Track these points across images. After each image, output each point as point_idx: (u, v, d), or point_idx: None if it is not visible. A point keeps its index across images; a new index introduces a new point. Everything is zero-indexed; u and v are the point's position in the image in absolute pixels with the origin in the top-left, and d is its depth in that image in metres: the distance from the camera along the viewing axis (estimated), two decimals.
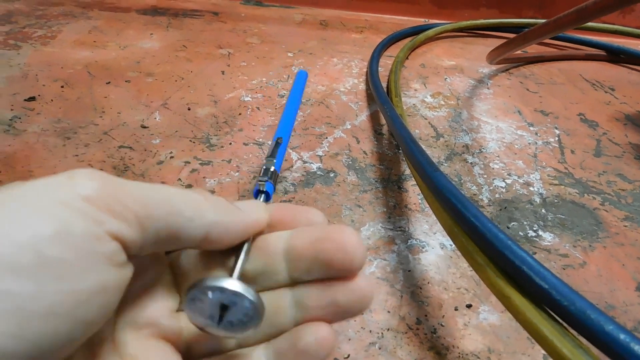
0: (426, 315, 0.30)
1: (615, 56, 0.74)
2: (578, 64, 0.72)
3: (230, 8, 0.83)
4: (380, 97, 0.49)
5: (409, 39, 0.73)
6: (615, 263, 0.35)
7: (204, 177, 0.41)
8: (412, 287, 0.32)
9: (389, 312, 0.30)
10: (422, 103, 0.56)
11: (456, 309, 0.30)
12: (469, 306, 0.31)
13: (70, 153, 0.42)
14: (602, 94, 0.63)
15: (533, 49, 0.73)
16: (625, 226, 0.39)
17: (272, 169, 0.33)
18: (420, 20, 0.84)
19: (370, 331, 0.29)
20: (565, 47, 0.78)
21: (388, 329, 0.29)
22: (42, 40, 0.64)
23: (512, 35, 0.62)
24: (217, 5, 0.83)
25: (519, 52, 0.68)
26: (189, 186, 0.39)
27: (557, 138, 0.51)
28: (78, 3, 0.80)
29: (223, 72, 0.59)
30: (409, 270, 0.33)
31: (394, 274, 0.33)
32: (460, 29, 0.78)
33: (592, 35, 0.77)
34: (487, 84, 0.62)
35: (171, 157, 0.43)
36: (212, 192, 0.39)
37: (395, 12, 0.84)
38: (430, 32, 0.73)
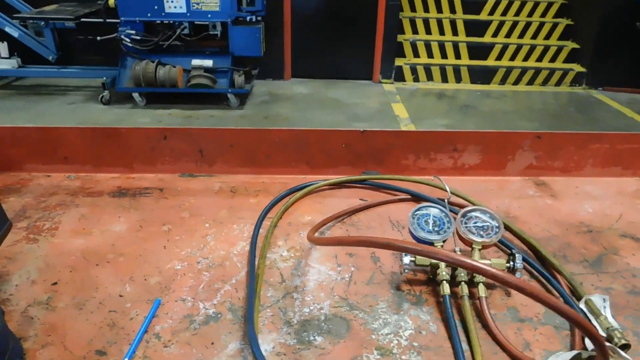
0: None
1: (417, 198, 1.19)
2: (392, 207, 1.17)
3: (171, 182, 1.25)
4: (251, 266, 0.90)
5: (288, 198, 1.16)
6: (344, 350, 0.76)
7: (154, 325, 0.80)
8: None
9: None
10: (280, 257, 0.98)
11: None
12: None
13: (83, 319, 0.82)
14: (395, 232, 1.06)
15: (367, 196, 1.17)
16: (361, 329, 0.80)
17: None
18: (301, 177, 1.28)
19: None
20: (388, 193, 1.22)
21: None
22: (50, 232, 1.05)
23: (360, 186, 1.09)
24: (162, 181, 1.26)
25: (350, 205, 1.11)
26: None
27: (350, 274, 0.93)
28: (68, 191, 1.21)
29: (164, 247, 1.00)
30: None
31: None
32: (323, 186, 1.22)
33: (401, 184, 1.22)
34: (325, 234, 1.05)
35: (137, 315, 0.83)
36: (159, 336, 0.79)
37: (282, 172, 1.28)
38: (298, 194, 1.17)
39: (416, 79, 5.51)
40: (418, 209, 0.96)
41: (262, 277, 0.90)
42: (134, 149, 1.25)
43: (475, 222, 0.93)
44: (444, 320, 0.82)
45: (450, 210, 1.06)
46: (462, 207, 1.11)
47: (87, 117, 4.41)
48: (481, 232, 0.91)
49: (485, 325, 0.81)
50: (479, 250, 0.90)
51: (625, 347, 0.76)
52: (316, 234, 0.98)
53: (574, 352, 0.73)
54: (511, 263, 0.87)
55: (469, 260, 0.53)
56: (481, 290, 0.84)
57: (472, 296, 0.85)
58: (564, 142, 1.28)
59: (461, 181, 1.29)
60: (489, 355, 0.76)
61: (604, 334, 0.79)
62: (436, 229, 0.92)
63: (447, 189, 1.07)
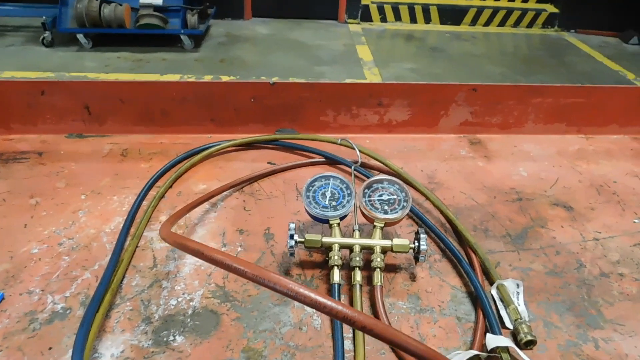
0: None
1: (332, 161, 1.05)
2: (303, 172, 1.03)
3: (54, 145, 1.08)
4: (116, 249, 0.77)
5: (185, 162, 1.01)
6: (206, 353, 0.65)
7: None
8: None
9: None
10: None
11: None
12: None
13: None
14: (299, 203, 0.93)
15: (277, 159, 1.03)
16: (232, 325, 0.69)
17: None
18: (206, 137, 1.12)
19: None
20: (302, 155, 1.08)
21: None
22: None
23: (270, 147, 0.97)
24: (44, 143, 1.09)
25: (255, 168, 0.97)
26: None
27: (235, 255, 0.80)
28: None
29: (25, 226, 0.86)
30: None
31: None
32: (227, 147, 1.07)
33: (318, 144, 1.08)
34: (218, 207, 0.92)
35: None
36: None
37: (184, 132, 1.12)
38: (196, 158, 1.02)
39: (384, 19, 5.24)
40: (315, 180, 0.82)
41: (129, 262, 0.77)
42: (7, 106, 1.07)
43: (380, 195, 0.80)
44: None
45: (367, 177, 0.93)
46: (382, 173, 0.98)
47: (28, 61, 4.07)
48: (385, 207, 0.79)
49: (378, 319, 0.70)
50: (381, 228, 0.78)
51: (531, 343, 0.66)
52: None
53: (471, 353, 0.63)
54: (416, 244, 0.75)
55: (288, 284, 0.40)
56: (375, 278, 0.72)
57: (372, 283, 0.74)
58: (502, 96, 1.15)
59: (388, 140, 1.16)
60: (373, 356, 0.65)
61: (510, 326, 0.69)
62: (334, 203, 0.79)
63: (357, 152, 0.93)
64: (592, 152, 1.14)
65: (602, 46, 5.03)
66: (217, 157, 1.06)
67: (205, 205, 0.92)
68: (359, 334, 0.66)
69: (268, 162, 1.04)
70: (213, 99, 1.08)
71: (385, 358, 0.65)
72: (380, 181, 0.82)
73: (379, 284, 0.72)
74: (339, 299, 0.70)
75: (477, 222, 0.90)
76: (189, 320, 0.69)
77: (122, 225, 0.85)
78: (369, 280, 0.75)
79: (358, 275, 0.72)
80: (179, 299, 0.72)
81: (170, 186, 0.96)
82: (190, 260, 0.79)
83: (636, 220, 0.92)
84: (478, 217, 0.92)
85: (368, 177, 0.97)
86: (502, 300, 0.73)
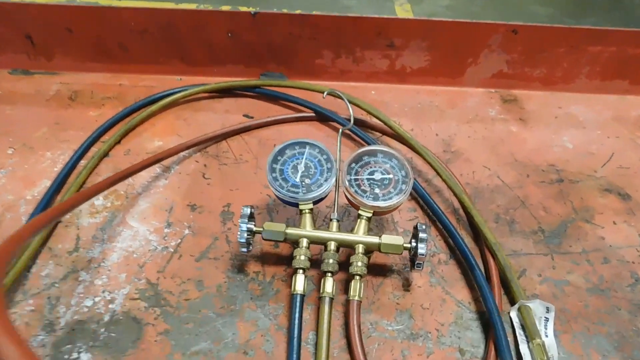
0: None
1: (324, 116, 0.84)
2: (286, 129, 0.83)
3: None
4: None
5: (142, 110, 0.82)
6: None
7: None
8: None
9: None
10: (89, 207, 0.66)
11: None
12: None
13: None
14: None
15: (257, 112, 0.83)
16: (156, 340, 0.52)
17: None
18: (174, 79, 0.92)
19: None
20: (289, 107, 0.87)
21: None
22: None
23: (250, 95, 0.86)
24: None
25: (225, 123, 0.78)
26: None
27: (179, 240, 0.63)
28: None
29: None
30: None
31: None
32: (196, 93, 0.87)
33: (309, 94, 0.86)
34: (171, 171, 0.73)
35: None
36: None
37: (149, 72, 0.92)
38: (155, 107, 0.82)
39: None
40: (286, 147, 0.62)
41: (45, 242, 0.60)
42: None
43: (371, 172, 0.60)
44: (290, 330, 0.53)
45: (365, 142, 0.73)
46: (384, 135, 0.78)
47: None
48: (376, 190, 0.59)
49: (350, 345, 0.52)
50: (368, 219, 0.58)
51: None
52: None
53: None
54: (412, 243, 0.55)
55: None
56: (353, 289, 0.54)
57: (348, 294, 0.55)
58: (550, 41, 0.89)
59: (400, 92, 0.93)
60: None
61: None
62: (307, 181, 0.59)
63: (349, 107, 0.71)
64: None
65: None
66: (183, 105, 0.86)
67: (156, 168, 0.73)
68: None
69: (244, 115, 0.84)
70: (180, 31, 0.87)
71: None
72: (373, 153, 0.61)
73: (356, 298, 0.53)
74: (302, 313, 0.52)
75: (502, 209, 0.70)
76: (102, 330, 0.53)
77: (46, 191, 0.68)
78: (347, 285, 0.57)
79: (329, 285, 0.54)
80: (96, 299, 0.56)
81: (118, 142, 0.77)
82: (121, 245, 0.62)
83: None
84: (503, 203, 0.71)
85: (366, 142, 0.77)
86: (523, 329, 0.54)
